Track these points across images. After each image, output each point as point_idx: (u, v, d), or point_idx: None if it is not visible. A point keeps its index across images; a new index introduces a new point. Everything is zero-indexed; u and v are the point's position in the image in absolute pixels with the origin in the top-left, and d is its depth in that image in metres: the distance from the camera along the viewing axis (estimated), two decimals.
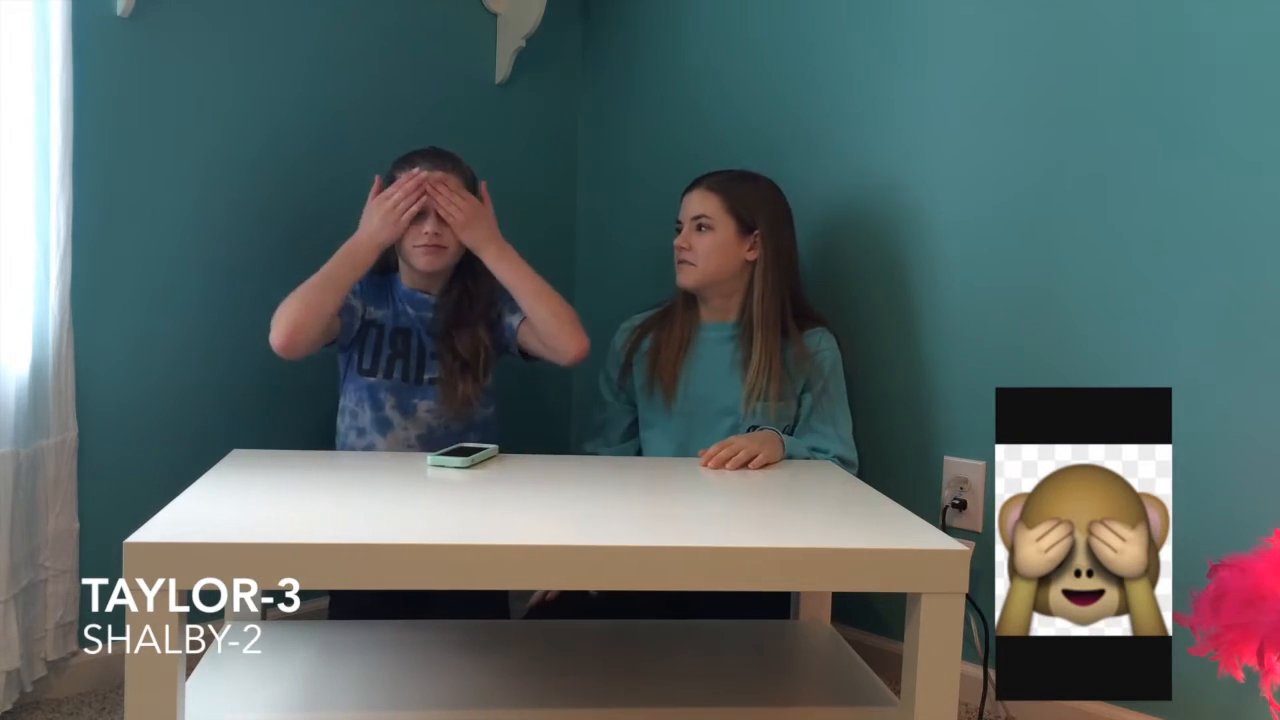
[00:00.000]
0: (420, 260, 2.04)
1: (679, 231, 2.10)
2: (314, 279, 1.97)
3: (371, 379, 2.07)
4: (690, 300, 2.14)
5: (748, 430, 2.05)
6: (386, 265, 2.11)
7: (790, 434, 2.07)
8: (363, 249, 2.00)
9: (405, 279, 2.11)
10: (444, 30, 2.46)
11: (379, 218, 2.00)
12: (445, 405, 2.07)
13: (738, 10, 2.41)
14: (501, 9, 2.52)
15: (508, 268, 2.02)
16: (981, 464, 2.06)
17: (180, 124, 2.06)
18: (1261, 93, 1.72)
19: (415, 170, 2.00)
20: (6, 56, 1.79)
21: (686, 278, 2.09)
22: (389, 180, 2.05)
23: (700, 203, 2.07)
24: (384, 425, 2.06)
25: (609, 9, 2.66)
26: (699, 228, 2.07)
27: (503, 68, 2.54)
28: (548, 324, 2.00)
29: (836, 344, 2.10)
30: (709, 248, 2.06)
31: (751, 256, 2.07)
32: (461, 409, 2.07)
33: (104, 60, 1.94)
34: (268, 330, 2.18)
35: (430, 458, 1.77)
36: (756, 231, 2.06)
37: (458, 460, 1.75)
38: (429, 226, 2.02)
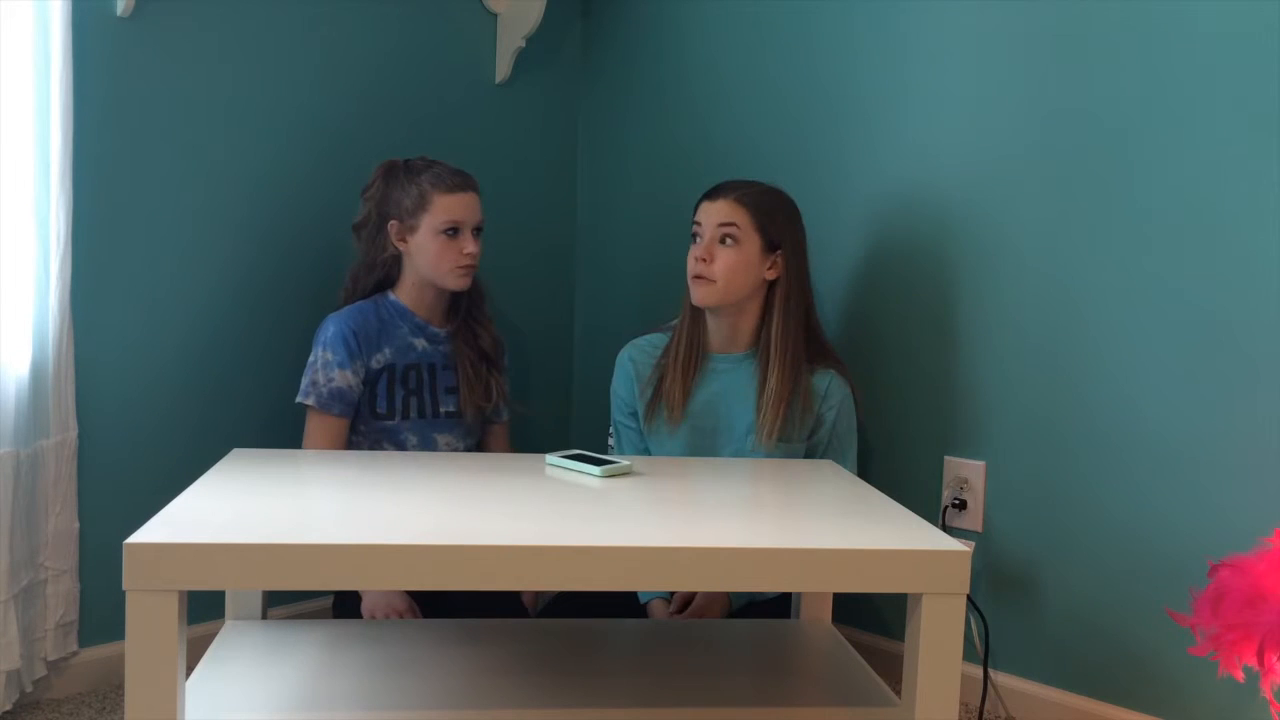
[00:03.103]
0: (456, 281, 2.02)
1: (695, 240, 1.97)
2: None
3: (390, 422, 2.05)
4: (698, 316, 2.01)
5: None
6: (380, 284, 2.09)
7: None
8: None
9: (418, 309, 2.07)
10: (444, 30, 2.45)
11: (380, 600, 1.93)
12: (471, 411, 2.09)
13: (739, 10, 2.40)
14: (501, 9, 2.52)
15: None
16: (981, 464, 2.06)
17: (180, 124, 2.06)
18: (1265, 94, 1.73)
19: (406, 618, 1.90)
20: (6, 56, 1.79)
21: (705, 296, 1.94)
22: (408, 180, 2.03)
23: (729, 211, 1.94)
24: None
25: (609, 9, 2.66)
26: (724, 239, 1.93)
27: (503, 68, 2.54)
28: None
29: (848, 387, 2.01)
30: (732, 264, 1.92)
31: (770, 276, 1.96)
32: (485, 407, 2.10)
33: (104, 60, 1.94)
34: (267, 329, 2.20)
35: (549, 458, 1.71)
36: (779, 251, 1.96)
37: (594, 469, 1.66)
38: (469, 247, 1.98)
